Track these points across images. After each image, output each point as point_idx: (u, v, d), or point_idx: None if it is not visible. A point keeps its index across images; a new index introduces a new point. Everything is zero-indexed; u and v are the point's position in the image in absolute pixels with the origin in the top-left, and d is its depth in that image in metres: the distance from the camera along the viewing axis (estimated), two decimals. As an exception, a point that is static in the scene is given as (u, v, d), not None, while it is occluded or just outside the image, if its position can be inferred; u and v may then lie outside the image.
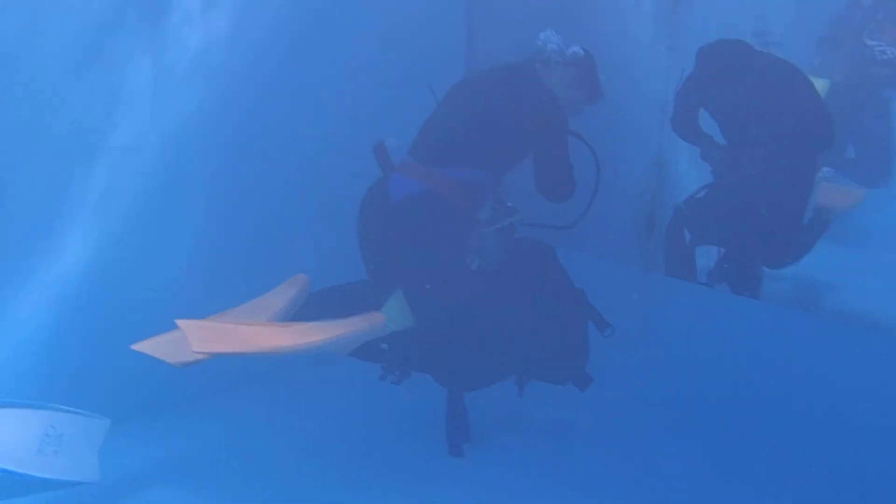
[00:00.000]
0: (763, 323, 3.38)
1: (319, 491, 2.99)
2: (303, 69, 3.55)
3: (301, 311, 3.00)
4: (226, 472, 3.07)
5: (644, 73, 3.83)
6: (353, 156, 3.21)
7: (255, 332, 2.69)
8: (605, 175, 3.07)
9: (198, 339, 2.48)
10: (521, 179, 3.06)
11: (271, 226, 3.59)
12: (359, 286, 3.11)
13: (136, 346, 2.58)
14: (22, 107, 2.90)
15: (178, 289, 3.26)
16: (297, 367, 3.65)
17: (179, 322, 2.55)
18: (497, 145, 2.94)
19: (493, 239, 3.12)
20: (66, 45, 2.96)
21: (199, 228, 3.41)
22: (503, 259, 3.13)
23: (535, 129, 2.92)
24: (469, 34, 4.07)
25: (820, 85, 3.58)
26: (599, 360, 3.09)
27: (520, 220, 3.14)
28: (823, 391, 3.12)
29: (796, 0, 4.52)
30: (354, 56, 3.66)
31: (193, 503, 2.89)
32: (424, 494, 2.99)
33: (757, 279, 3.62)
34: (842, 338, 3.14)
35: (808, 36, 4.35)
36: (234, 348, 2.53)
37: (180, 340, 2.50)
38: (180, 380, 2.68)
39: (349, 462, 3.18)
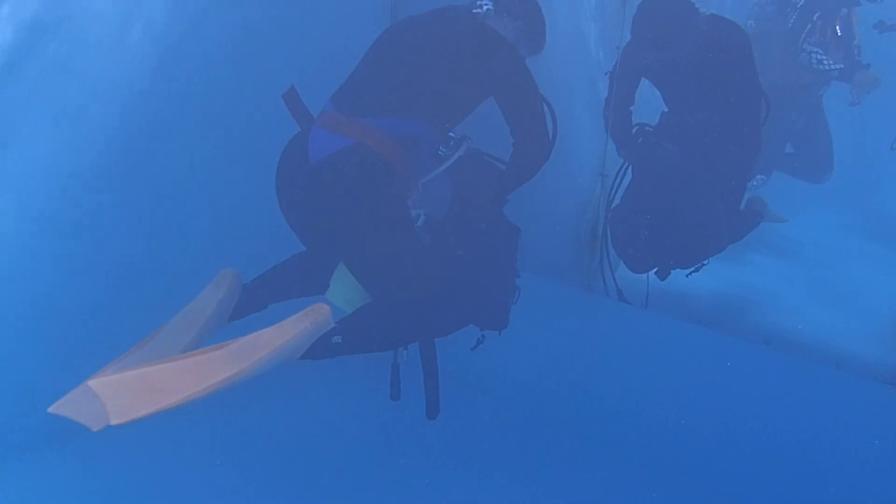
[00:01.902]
0: (702, 347, 3.20)
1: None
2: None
3: (239, 308, 2.65)
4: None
5: (587, 78, 3.68)
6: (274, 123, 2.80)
7: (184, 371, 2.23)
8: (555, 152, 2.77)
9: (117, 408, 2.08)
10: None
11: (187, 214, 3.17)
12: (298, 261, 2.77)
13: (54, 409, 2.21)
14: None
15: (98, 295, 2.97)
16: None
17: (92, 385, 2.13)
18: (438, 91, 2.52)
19: (439, 183, 2.74)
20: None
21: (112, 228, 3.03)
22: (452, 202, 2.77)
23: (490, 70, 2.53)
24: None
25: None
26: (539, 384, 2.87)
27: (470, 152, 2.74)
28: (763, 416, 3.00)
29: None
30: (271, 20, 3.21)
31: None
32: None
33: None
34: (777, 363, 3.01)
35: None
36: (162, 404, 2.12)
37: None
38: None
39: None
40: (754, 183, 4.37)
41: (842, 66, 4.17)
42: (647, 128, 3.29)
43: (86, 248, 2.91)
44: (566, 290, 3.46)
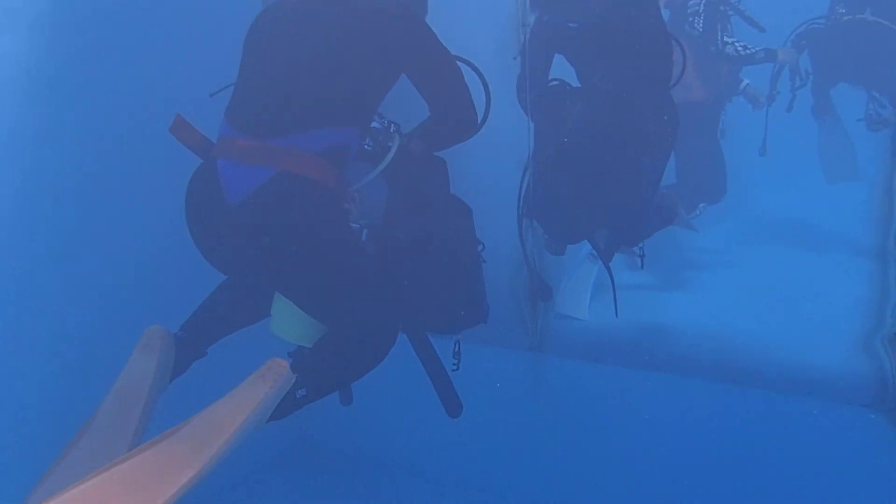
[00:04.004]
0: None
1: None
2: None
3: (178, 364, 2.27)
4: None
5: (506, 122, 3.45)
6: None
7: (131, 481, 1.79)
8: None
9: None
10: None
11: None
12: (226, 293, 2.42)
13: None
14: None
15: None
16: None
17: None
18: (348, 86, 2.14)
19: (374, 185, 2.37)
20: None
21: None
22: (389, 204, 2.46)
23: (399, 44, 2.19)
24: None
25: None
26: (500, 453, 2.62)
27: (406, 138, 2.39)
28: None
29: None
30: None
31: None
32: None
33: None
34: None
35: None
36: None
37: None
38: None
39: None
40: (697, 212, 4.31)
41: (764, 46, 4.21)
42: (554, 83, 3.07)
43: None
44: (512, 354, 3.21)
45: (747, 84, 4.53)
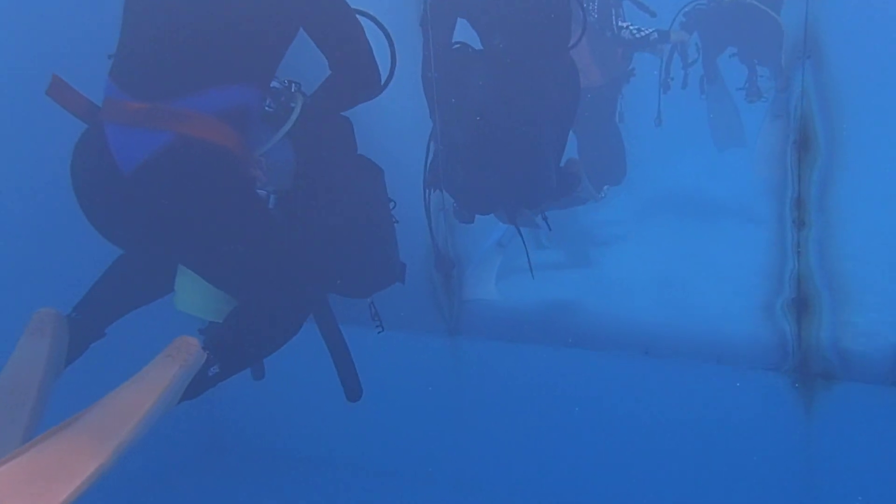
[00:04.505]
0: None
1: None
2: None
3: (73, 346, 2.09)
4: None
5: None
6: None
7: (25, 479, 1.56)
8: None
9: None
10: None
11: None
12: (122, 269, 2.25)
13: None
14: None
15: None
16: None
17: None
18: (243, 40, 2.02)
19: (280, 150, 2.24)
20: None
21: None
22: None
23: None
24: None
25: None
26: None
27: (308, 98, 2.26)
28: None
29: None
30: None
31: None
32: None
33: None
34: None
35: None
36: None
37: None
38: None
39: None
40: (602, 195, 4.36)
41: (656, 28, 4.31)
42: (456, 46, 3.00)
43: None
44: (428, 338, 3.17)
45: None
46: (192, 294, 2.19)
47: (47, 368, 1.96)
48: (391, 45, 2.34)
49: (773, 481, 2.79)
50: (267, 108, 2.19)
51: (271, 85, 2.18)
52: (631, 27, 4.24)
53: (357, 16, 2.21)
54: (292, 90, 2.24)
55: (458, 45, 3.00)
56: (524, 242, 3.21)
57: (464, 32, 3.07)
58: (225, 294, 2.16)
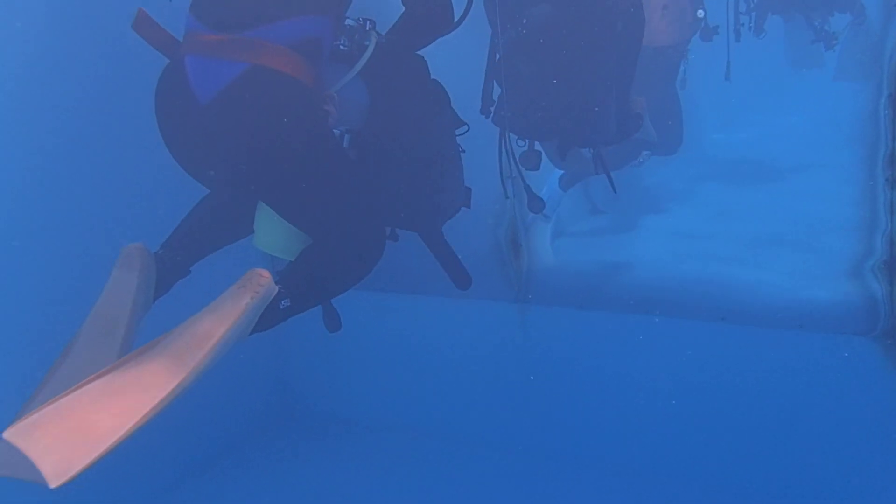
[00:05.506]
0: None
1: None
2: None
3: (161, 283, 2.18)
4: None
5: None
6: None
7: (113, 391, 1.75)
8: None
9: (48, 463, 1.60)
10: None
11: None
12: (207, 208, 2.33)
13: None
14: None
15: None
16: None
17: (8, 437, 1.64)
18: None
19: (353, 88, 2.25)
20: None
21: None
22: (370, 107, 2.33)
23: None
24: None
25: None
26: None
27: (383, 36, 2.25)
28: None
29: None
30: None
31: None
32: None
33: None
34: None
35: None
36: (101, 447, 1.63)
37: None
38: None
39: None
40: (640, 160, 4.21)
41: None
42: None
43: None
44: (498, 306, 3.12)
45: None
46: (271, 234, 2.23)
47: (136, 299, 2.05)
48: None
49: (864, 453, 2.66)
50: (341, 47, 2.19)
51: (345, 23, 2.18)
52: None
53: None
54: (366, 28, 2.23)
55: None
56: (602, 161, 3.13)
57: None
58: (303, 235, 2.20)
